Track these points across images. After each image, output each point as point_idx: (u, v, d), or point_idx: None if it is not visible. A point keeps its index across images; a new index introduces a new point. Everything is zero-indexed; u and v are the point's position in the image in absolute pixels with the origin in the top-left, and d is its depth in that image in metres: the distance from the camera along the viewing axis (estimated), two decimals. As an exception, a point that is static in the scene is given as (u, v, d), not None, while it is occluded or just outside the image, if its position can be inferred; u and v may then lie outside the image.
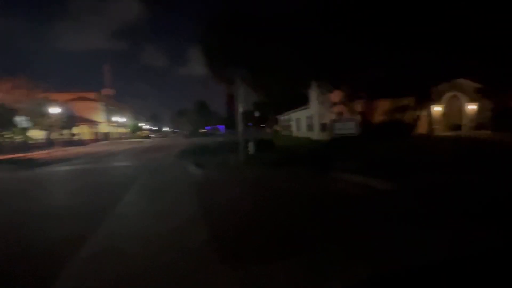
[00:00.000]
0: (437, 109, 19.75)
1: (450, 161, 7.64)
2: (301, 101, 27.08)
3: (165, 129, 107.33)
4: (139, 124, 68.47)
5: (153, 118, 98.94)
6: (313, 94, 21.36)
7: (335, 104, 20.25)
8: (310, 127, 24.90)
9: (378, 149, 11.65)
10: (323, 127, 20.94)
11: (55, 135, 34.95)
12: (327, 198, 4.77)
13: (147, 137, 63.95)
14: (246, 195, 5.20)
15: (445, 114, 20.20)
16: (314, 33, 14.32)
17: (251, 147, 11.04)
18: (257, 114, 33.49)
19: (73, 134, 40.81)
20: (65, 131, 37.70)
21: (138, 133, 67.47)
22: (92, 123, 44.95)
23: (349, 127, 16.02)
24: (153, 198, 5.45)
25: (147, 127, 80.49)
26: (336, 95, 20.18)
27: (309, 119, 24.52)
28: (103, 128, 47.82)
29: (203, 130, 69.58)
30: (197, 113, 64.97)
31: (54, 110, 27.85)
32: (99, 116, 47.97)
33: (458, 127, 20.38)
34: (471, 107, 19.83)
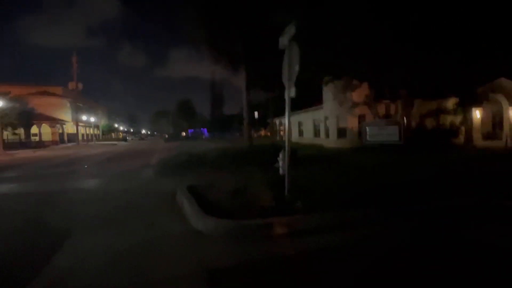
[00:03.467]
0: (476, 114, 16.64)
1: None
2: (307, 101, 23.37)
3: (143, 131, 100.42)
4: (114, 125, 61.85)
5: (130, 119, 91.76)
6: (329, 92, 17.56)
7: (357, 104, 16.57)
8: (319, 132, 21.09)
9: (463, 167, 7.97)
10: (342, 132, 17.20)
11: (8, 135, 28.72)
12: None
13: (123, 139, 57.70)
14: None
15: (483, 120, 17.16)
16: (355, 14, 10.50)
17: (282, 160, 6.82)
18: (256, 115, 29.25)
19: (31, 134, 34.38)
20: (20, 131, 31.36)
21: (113, 134, 60.93)
22: (56, 121, 38.54)
23: (389, 133, 12.27)
24: None
25: (123, 128, 73.71)
26: (358, 94, 16.52)
27: (320, 122, 20.70)
28: (70, 128, 41.41)
29: (185, 134, 64.01)
30: (179, 114, 59.59)
31: (-1, 103, 22.01)
32: (66, 114, 41.55)
33: (494, 135, 17.38)
34: (514, 112, 16.88)
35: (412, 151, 11.09)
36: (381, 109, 16.99)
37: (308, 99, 24.09)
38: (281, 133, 37.87)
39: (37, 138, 35.34)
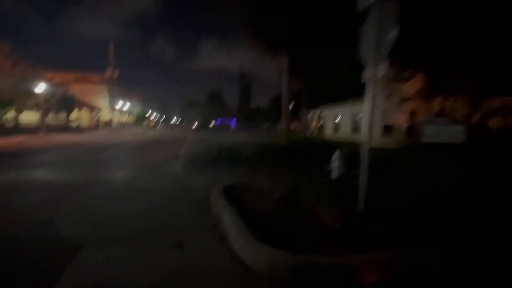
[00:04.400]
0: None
1: None
2: (343, 94, 21.62)
3: (174, 119, 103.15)
4: (146, 114, 63.80)
5: (161, 109, 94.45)
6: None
7: (407, 99, 14.63)
8: (358, 128, 19.31)
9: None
10: (387, 129, 15.41)
11: (50, 119, 30.22)
12: None
13: (154, 127, 59.33)
14: None
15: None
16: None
17: (337, 164, 5.64)
18: (291, 107, 27.79)
19: (70, 120, 36.13)
20: (61, 115, 32.98)
21: (144, 122, 62.91)
22: (93, 108, 40.21)
23: (451, 134, 10.43)
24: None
25: (155, 116, 75.99)
26: (410, 87, 14.55)
27: (360, 117, 18.91)
28: (105, 114, 43.11)
29: (213, 124, 64.17)
30: (209, 104, 59.79)
31: (41, 88, 22.89)
32: (102, 101, 43.25)
33: None
34: None
35: (477, 153, 9.24)
36: (436, 105, 14.87)
37: (345, 91, 22.27)
38: (313, 126, 36.05)
39: (76, 123, 37.11)
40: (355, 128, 19.64)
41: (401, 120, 14.96)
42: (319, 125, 29.90)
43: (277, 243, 2.52)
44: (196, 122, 66.78)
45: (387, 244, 2.71)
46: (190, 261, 2.55)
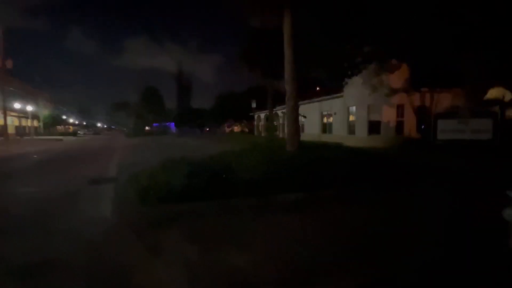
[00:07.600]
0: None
1: None
2: (305, 90, 19.43)
3: (99, 124, 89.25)
4: (61, 117, 51.93)
5: (82, 111, 79.91)
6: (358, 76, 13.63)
7: (395, 91, 12.87)
8: (329, 127, 17.18)
9: None
10: (374, 127, 13.41)
11: None
12: None
13: (74, 133, 48.56)
14: None
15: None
16: None
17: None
18: (254, 105, 24.11)
19: None
20: None
21: (59, 128, 51.12)
22: (-25, 110, 29.41)
23: (476, 129, 8.61)
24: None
25: (73, 121, 63.45)
26: (398, 78, 12.85)
27: (333, 114, 16.74)
28: (-3, 118, 32.33)
29: (149, 128, 56.46)
30: (144, 104, 51.96)
31: None
32: (-10, 101, 32.29)
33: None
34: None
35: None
36: (416, 100, 13.55)
37: (306, 87, 20.20)
38: (260, 128, 33.34)
39: None
40: (326, 128, 17.54)
41: (389, 115, 13.19)
42: (280, 125, 27.20)
43: None
44: (129, 126, 57.96)
45: None
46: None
